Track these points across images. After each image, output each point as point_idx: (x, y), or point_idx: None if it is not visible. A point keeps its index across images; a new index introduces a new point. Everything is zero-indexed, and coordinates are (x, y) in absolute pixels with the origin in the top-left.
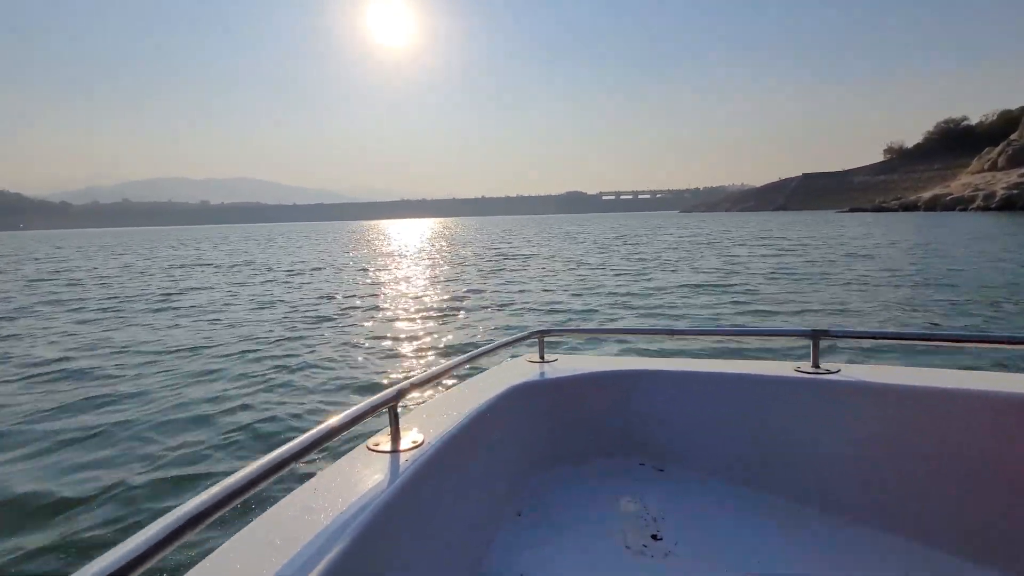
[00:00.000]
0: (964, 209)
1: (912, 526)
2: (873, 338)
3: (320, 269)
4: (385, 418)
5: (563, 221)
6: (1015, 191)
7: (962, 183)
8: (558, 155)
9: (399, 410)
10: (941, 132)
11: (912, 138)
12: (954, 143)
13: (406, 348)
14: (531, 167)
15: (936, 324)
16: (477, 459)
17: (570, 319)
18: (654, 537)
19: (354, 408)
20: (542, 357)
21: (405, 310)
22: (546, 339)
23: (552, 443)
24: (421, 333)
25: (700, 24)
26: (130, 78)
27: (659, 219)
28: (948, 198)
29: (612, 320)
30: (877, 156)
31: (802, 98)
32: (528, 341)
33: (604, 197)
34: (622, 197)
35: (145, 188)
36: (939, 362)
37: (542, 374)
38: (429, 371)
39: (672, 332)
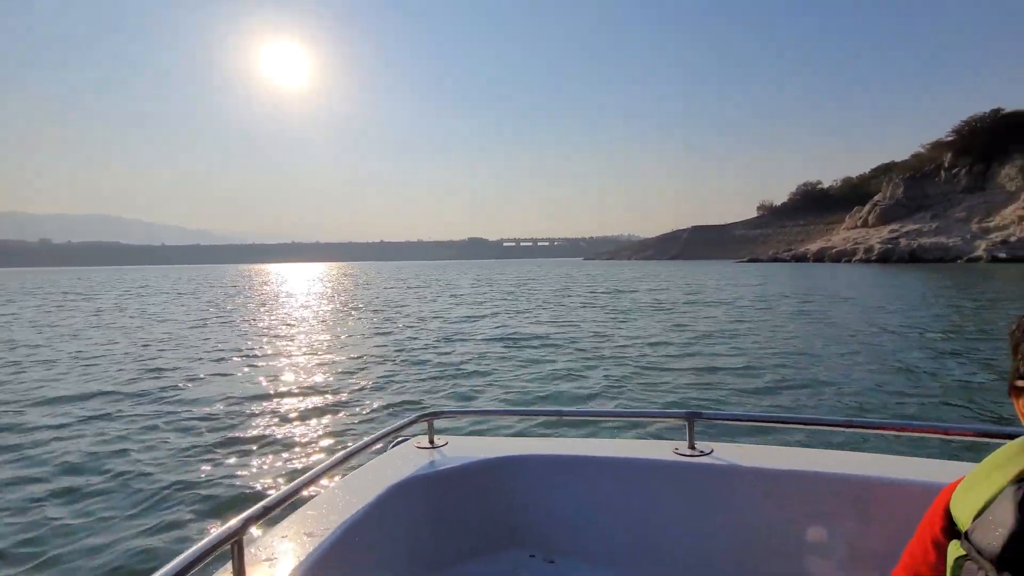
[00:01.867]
0: (848, 260)
1: None
2: (743, 420)
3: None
4: (227, 559)
5: (473, 267)
6: (889, 245)
7: (842, 237)
8: (458, 202)
9: (246, 543)
10: (802, 193)
11: (779, 197)
12: (813, 203)
13: (252, 449)
14: (432, 213)
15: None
16: None
17: (459, 395)
18: None
19: (186, 554)
20: (431, 442)
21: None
22: (434, 421)
23: (438, 543)
24: (278, 419)
25: (595, 84)
26: None
27: (569, 267)
28: (833, 250)
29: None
30: (751, 212)
31: (684, 160)
32: (417, 424)
33: (505, 244)
34: (522, 244)
35: None
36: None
37: (431, 462)
38: (289, 486)
39: (561, 414)
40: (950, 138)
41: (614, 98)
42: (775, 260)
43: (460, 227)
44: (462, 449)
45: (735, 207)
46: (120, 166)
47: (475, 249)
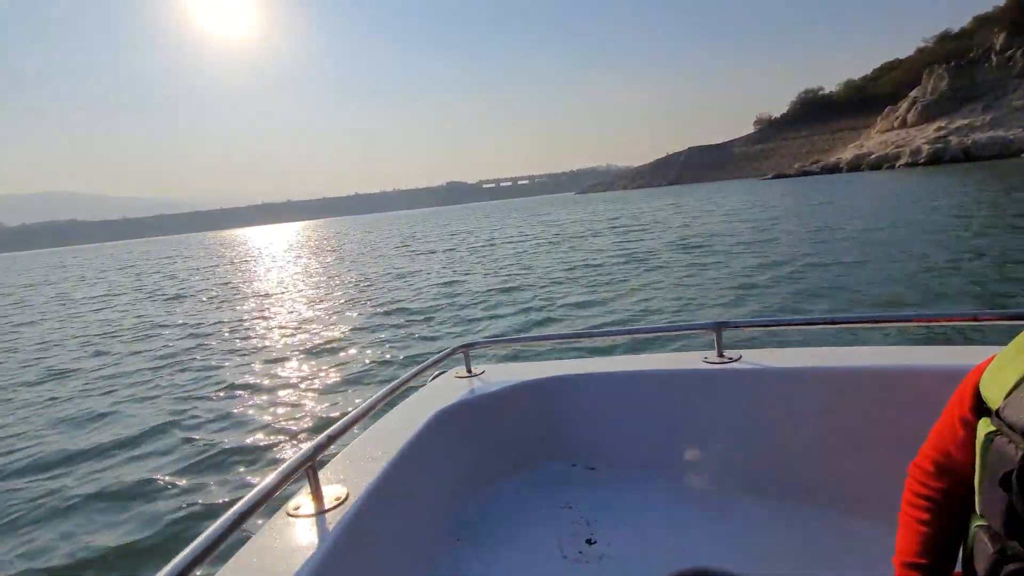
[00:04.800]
0: (891, 167)
1: (821, 496)
2: (768, 326)
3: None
4: (304, 480)
5: (447, 214)
6: (939, 145)
7: (878, 141)
8: (433, 146)
9: (318, 467)
10: (803, 102)
11: (777, 111)
12: (815, 111)
13: (313, 388)
14: (406, 160)
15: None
16: (407, 498)
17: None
18: (588, 542)
19: (270, 477)
20: (469, 371)
21: (296, 339)
22: (470, 352)
23: (484, 460)
24: (327, 363)
25: (556, 8)
26: None
27: (564, 206)
28: (871, 157)
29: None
30: (747, 129)
31: (664, 82)
32: (454, 356)
33: (485, 185)
34: (502, 184)
35: None
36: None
37: (471, 390)
38: (347, 417)
39: (591, 335)
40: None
41: (585, 21)
42: (805, 174)
43: (438, 173)
44: (499, 375)
45: (725, 127)
46: (69, 140)
47: (454, 194)
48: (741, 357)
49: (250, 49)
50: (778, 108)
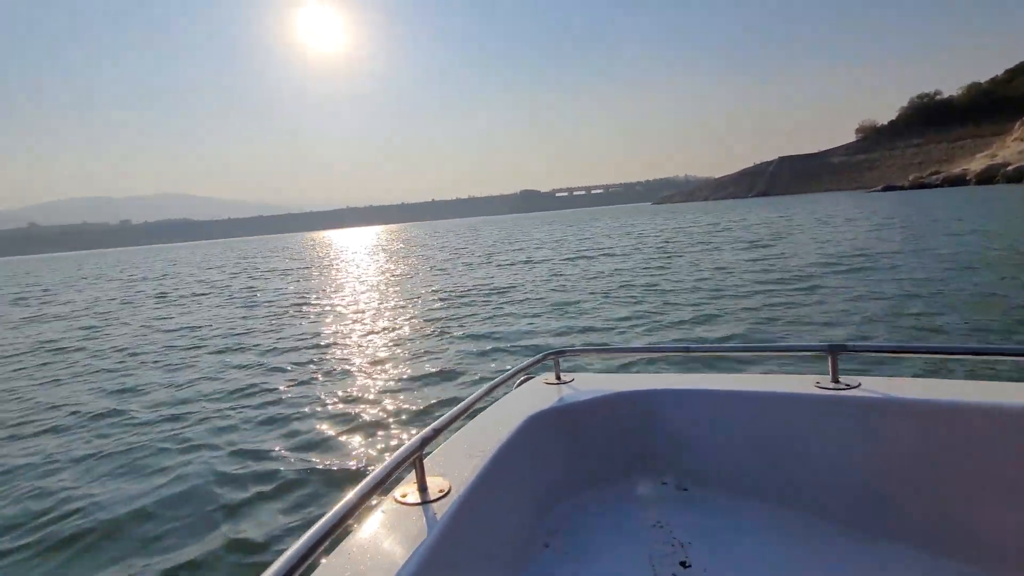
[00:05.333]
0: None
1: (942, 543)
2: (893, 352)
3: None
4: (411, 470)
5: (525, 221)
6: None
7: (1017, 151)
8: (507, 155)
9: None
10: (916, 108)
11: (882, 117)
12: (930, 118)
13: (413, 383)
14: (481, 168)
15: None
16: (502, 497)
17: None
18: (683, 564)
19: (384, 464)
20: (558, 378)
21: (397, 338)
22: (560, 359)
23: (573, 469)
24: (424, 362)
25: (632, 17)
26: (39, 97)
27: (644, 213)
28: (1008, 168)
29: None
30: (835, 138)
31: (744, 90)
32: (543, 363)
33: (558, 194)
34: (575, 193)
35: (57, 210)
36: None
37: (560, 398)
38: (448, 413)
39: (688, 350)
40: None
41: (658, 25)
42: (921, 186)
43: (512, 182)
44: (588, 384)
45: (814, 136)
46: (183, 147)
47: (528, 202)
48: (861, 385)
49: (343, 65)
50: (883, 115)
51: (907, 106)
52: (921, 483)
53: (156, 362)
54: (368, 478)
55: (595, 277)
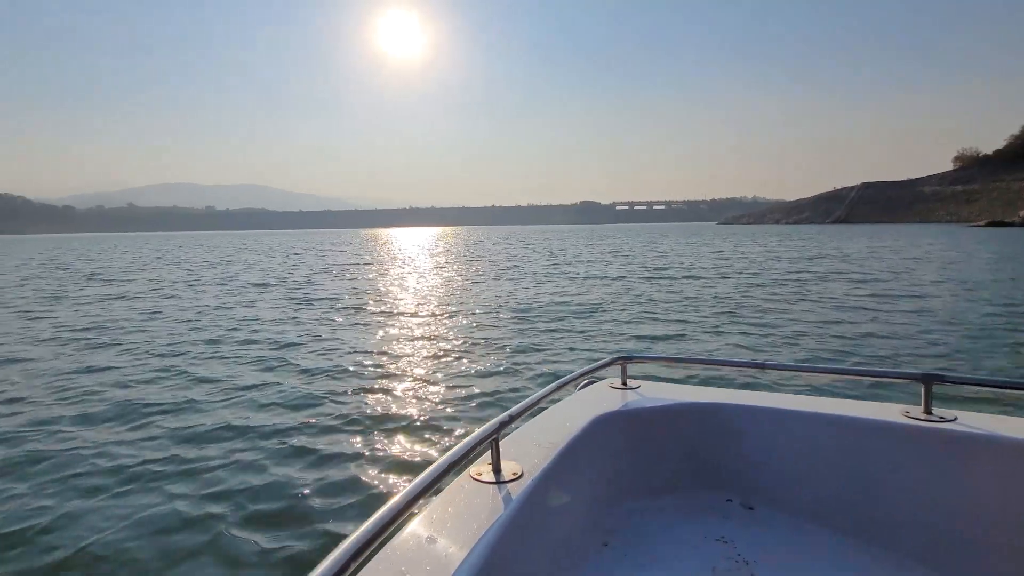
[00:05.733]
0: None
1: None
2: (995, 386)
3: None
4: (487, 450)
5: (587, 233)
6: None
7: None
8: (568, 165)
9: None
10: None
11: (983, 146)
12: None
13: (491, 373)
14: (541, 176)
15: None
16: (568, 490)
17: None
18: None
19: (465, 441)
20: (624, 383)
21: (473, 333)
22: (627, 364)
23: (637, 473)
24: (502, 356)
25: (708, 31)
26: (137, 85)
27: (711, 233)
28: None
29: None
30: (926, 167)
31: (819, 109)
32: (610, 367)
33: (618, 207)
34: (636, 208)
35: (152, 193)
36: None
37: (625, 403)
38: (522, 403)
39: (763, 366)
40: None
41: (731, 42)
42: None
43: (571, 191)
44: (654, 391)
45: (896, 164)
46: (263, 140)
47: (587, 213)
48: (957, 419)
49: (415, 69)
50: (987, 144)
51: (1017, 135)
52: (1014, 531)
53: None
54: (449, 453)
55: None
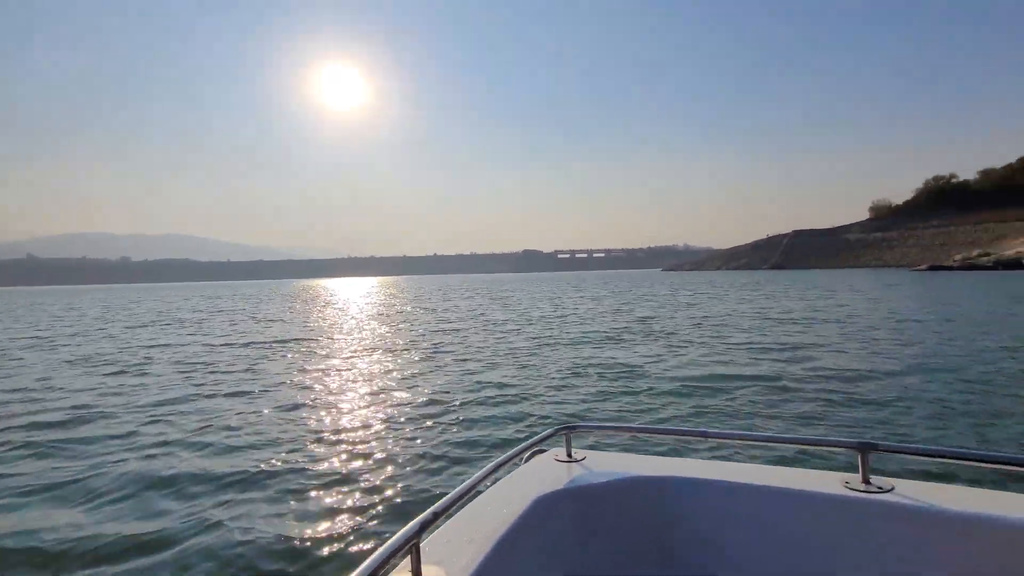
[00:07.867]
0: None
1: None
2: (930, 456)
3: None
4: (406, 556)
5: (533, 281)
6: None
7: None
8: (509, 214)
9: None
10: (932, 189)
11: (894, 197)
12: (948, 200)
13: (408, 456)
14: (483, 226)
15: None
16: None
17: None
18: None
19: (376, 554)
20: (570, 455)
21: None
22: (572, 435)
23: (587, 556)
24: (422, 428)
25: (647, 92)
26: (44, 130)
27: (660, 280)
28: None
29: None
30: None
31: (742, 164)
32: (554, 437)
33: (559, 255)
34: (577, 256)
35: (57, 243)
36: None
37: (571, 478)
38: (450, 494)
39: (706, 435)
40: None
41: (666, 100)
42: (970, 267)
43: (512, 240)
44: (602, 463)
45: (818, 213)
46: (187, 187)
47: (529, 262)
48: (894, 489)
49: (346, 118)
50: (894, 195)
51: (923, 187)
52: None
53: None
54: (357, 570)
55: None
